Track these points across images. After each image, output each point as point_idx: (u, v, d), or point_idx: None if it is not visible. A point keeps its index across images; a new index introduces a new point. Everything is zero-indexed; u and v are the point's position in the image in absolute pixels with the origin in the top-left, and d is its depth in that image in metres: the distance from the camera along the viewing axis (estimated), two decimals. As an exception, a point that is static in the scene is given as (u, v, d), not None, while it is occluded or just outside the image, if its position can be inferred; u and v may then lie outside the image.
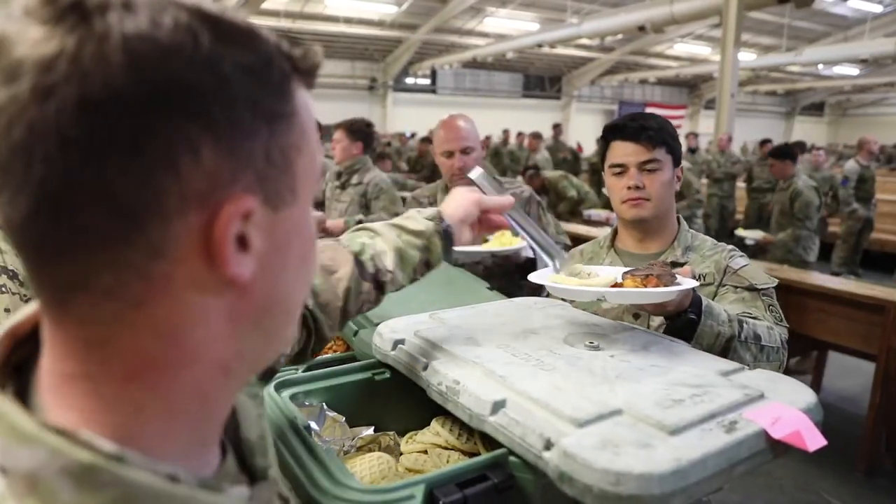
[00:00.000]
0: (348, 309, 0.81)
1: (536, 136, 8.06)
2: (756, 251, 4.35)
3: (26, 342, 0.35)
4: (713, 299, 1.27)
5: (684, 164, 5.06)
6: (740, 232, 4.64)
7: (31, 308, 0.36)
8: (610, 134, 1.34)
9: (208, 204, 0.30)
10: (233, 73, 0.30)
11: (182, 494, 0.32)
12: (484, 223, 0.93)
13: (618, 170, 1.32)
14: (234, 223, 0.31)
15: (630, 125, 1.30)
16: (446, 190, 1.99)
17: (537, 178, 5.81)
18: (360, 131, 3.06)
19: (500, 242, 1.60)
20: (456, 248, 1.61)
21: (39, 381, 0.33)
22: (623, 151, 1.30)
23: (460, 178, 1.90)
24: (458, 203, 0.90)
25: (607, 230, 1.47)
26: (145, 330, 0.31)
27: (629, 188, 1.29)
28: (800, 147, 7.09)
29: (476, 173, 0.99)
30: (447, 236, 0.88)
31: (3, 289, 1.27)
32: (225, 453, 0.40)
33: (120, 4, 0.28)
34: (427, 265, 0.89)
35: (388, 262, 0.83)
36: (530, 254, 1.62)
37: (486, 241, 1.60)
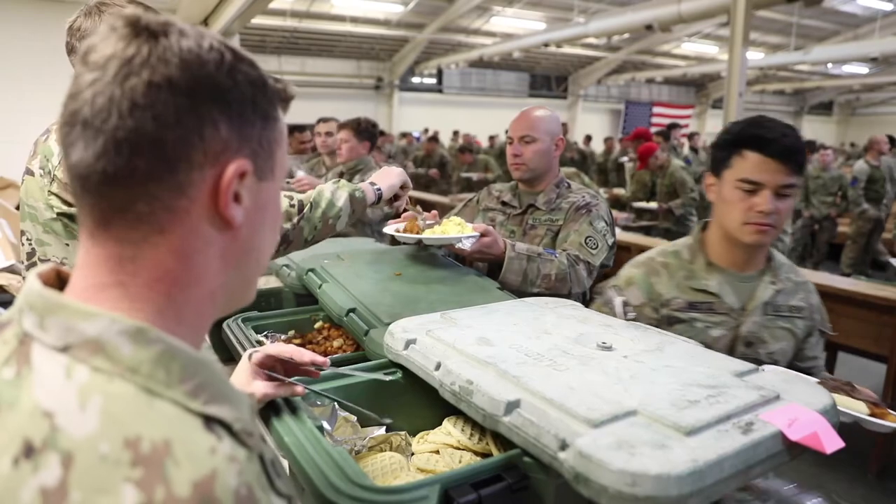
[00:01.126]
0: None
1: None
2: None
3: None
4: (810, 339, 1.22)
5: (676, 162, 4.98)
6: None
7: (43, 269, 0.47)
8: (751, 144, 1.15)
9: (219, 162, 0.43)
10: (243, 81, 0.45)
11: (206, 359, 0.43)
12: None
13: (750, 187, 1.15)
14: (235, 177, 0.44)
15: (782, 141, 1.13)
16: (516, 188, 1.88)
17: None
18: (366, 131, 3.00)
19: (444, 230, 1.50)
20: (392, 232, 1.55)
21: (68, 294, 0.43)
22: (765, 169, 1.13)
23: (516, 167, 1.79)
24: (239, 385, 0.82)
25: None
26: (166, 250, 0.43)
27: (761, 212, 1.14)
28: (809, 146, 7.03)
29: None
30: None
31: None
32: None
33: (178, 31, 0.43)
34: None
35: None
36: (467, 246, 1.50)
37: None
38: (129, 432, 0.36)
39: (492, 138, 10.84)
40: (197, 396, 0.41)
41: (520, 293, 1.49)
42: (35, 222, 1.23)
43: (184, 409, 0.39)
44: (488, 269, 1.67)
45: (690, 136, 7.82)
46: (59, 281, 0.47)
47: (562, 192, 1.83)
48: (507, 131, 1.90)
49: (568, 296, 1.52)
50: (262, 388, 0.84)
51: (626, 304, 1.26)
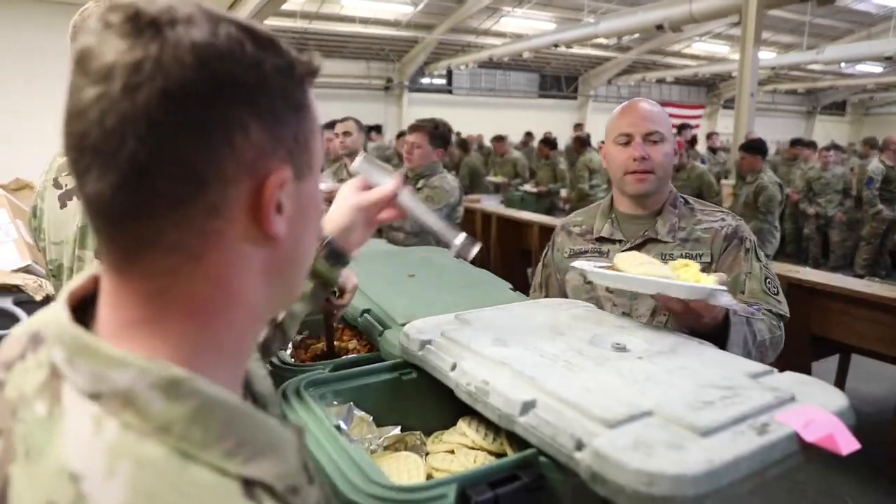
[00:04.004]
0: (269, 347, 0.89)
1: (499, 139, 8.19)
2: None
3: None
4: None
5: (698, 165, 4.94)
6: None
7: (78, 281, 0.43)
8: None
9: (255, 173, 0.38)
10: (271, 72, 0.38)
11: (247, 409, 0.39)
12: (374, 218, 0.88)
13: None
14: (277, 190, 0.39)
15: None
16: (610, 211, 1.38)
17: (581, 144, 6.23)
18: (442, 137, 2.62)
19: (686, 276, 1.00)
20: (623, 275, 1.01)
21: (99, 331, 0.39)
22: None
23: (641, 177, 1.29)
24: (338, 211, 0.84)
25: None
26: (201, 279, 0.38)
27: None
28: (813, 146, 7.03)
29: (357, 161, 0.89)
30: (334, 252, 0.85)
31: None
32: None
33: (184, 19, 0.36)
34: (324, 286, 0.88)
35: None
36: (724, 302, 0.97)
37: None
38: None
39: (528, 134, 10.78)
40: (236, 455, 0.37)
41: None
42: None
43: (221, 474, 0.35)
44: None
45: (708, 136, 7.81)
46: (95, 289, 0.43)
47: (683, 212, 1.34)
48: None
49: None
50: (363, 197, 0.85)
51: None
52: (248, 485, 0.36)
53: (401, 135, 4.27)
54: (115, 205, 0.36)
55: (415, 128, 2.60)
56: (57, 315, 0.39)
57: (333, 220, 0.85)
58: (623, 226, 1.36)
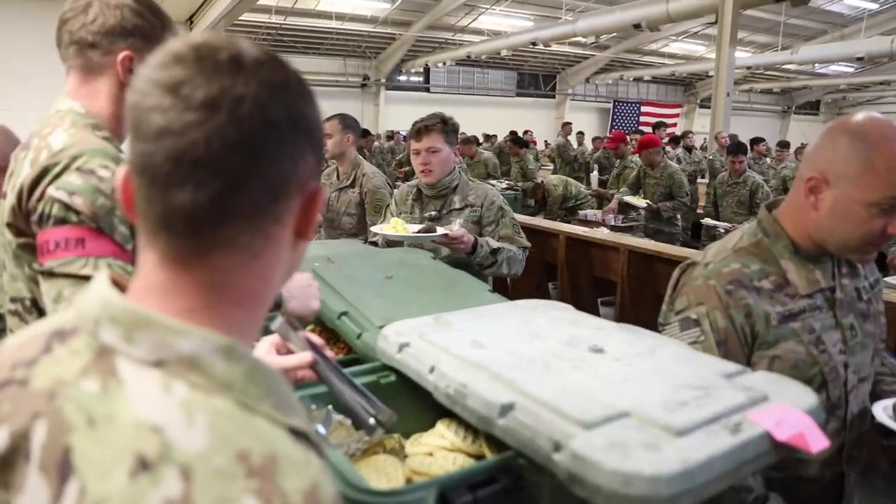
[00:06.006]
0: None
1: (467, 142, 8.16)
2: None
3: None
4: None
5: (671, 164, 4.91)
6: (708, 221, 4.95)
7: (104, 277, 0.47)
8: None
9: (306, 190, 0.47)
10: (315, 107, 0.48)
11: (278, 375, 0.46)
12: (289, 377, 0.86)
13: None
14: (320, 204, 0.48)
15: None
16: (795, 251, 1.09)
17: (539, 189, 6.05)
18: (454, 131, 2.06)
19: None
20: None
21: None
22: None
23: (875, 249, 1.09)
24: None
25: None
26: (255, 273, 0.46)
27: None
28: (786, 145, 7.20)
29: (276, 324, 0.83)
30: None
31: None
32: None
33: (267, 63, 0.44)
34: None
35: None
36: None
37: None
38: (240, 447, 0.38)
39: (512, 133, 10.75)
40: (279, 409, 0.43)
41: None
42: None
43: (273, 423, 0.42)
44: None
45: (684, 135, 7.89)
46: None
47: None
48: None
49: None
50: (278, 361, 0.81)
51: None
52: (294, 433, 0.43)
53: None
54: (208, 212, 0.42)
55: (424, 130, 2.00)
56: (103, 301, 0.44)
57: None
58: (817, 269, 1.11)
